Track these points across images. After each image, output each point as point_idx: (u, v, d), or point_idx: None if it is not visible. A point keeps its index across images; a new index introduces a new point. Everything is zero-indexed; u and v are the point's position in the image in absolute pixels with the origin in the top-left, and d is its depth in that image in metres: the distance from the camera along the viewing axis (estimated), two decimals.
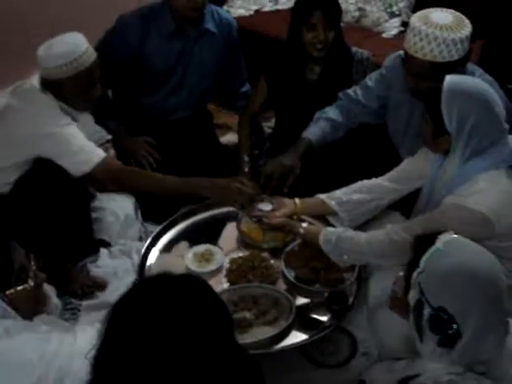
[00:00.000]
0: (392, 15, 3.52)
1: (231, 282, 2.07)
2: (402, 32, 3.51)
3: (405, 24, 3.54)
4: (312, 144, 2.39)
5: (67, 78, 2.12)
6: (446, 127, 1.78)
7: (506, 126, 1.82)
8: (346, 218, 2.13)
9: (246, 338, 1.82)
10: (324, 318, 1.96)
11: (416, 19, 2.07)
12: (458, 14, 2.08)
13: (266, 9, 3.81)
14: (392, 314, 1.96)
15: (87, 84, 2.17)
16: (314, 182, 2.58)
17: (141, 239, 2.49)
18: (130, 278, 2.24)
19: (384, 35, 3.53)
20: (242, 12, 3.71)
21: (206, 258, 2.13)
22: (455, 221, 1.71)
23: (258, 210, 2.18)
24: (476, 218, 1.71)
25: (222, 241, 2.28)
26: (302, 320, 1.94)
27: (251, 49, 2.79)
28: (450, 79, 1.80)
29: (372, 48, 2.89)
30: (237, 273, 2.09)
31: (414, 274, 1.37)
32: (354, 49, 2.56)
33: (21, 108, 2.20)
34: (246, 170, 2.61)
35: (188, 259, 2.13)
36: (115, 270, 2.30)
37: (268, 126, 3.03)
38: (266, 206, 2.20)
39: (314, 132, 2.41)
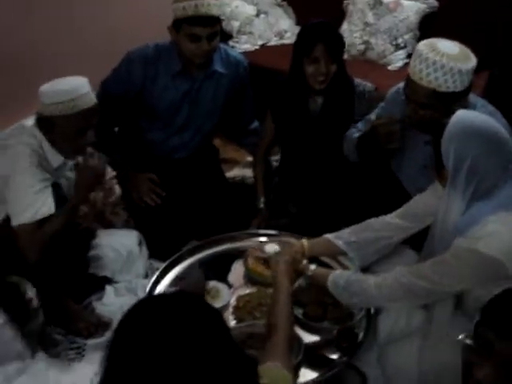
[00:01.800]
0: (397, 47, 3.52)
1: (238, 320, 2.03)
2: (407, 64, 3.52)
3: (410, 56, 3.55)
4: None
5: (61, 116, 2.09)
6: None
7: None
8: (356, 257, 2.08)
9: None
10: (334, 356, 1.92)
11: (423, 46, 2.05)
12: (463, 46, 2.07)
13: (272, 43, 3.84)
14: (402, 351, 1.95)
15: (79, 127, 2.13)
16: (323, 218, 2.59)
17: (147, 276, 2.48)
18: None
19: (389, 67, 3.54)
20: (247, 47, 3.74)
21: (212, 295, 2.10)
22: (467, 265, 1.69)
23: (264, 252, 2.15)
24: (488, 262, 1.66)
25: (229, 277, 2.24)
26: (310, 358, 1.89)
27: (258, 83, 2.79)
28: (456, 115, 1.76)
29: (377, 80, 2.91)
30: (244, 310, 2.05)
31: None
32: (358, 81, 2.56)
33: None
34: (262, 206, 2.63)
35: None
36: (121, 308, 2.27)
37: (275, 159, 3.02)
38: (272, 248, 2.16)
39: None
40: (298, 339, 1.90)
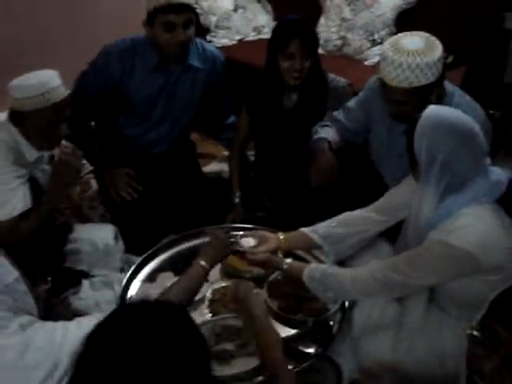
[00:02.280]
0: (374, 43, 3.55)
1: (213, 313, 2.04)
2: None
3: None
4: None
5: (34, 110, 2.09)
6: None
7: (487, 161, 1.78)
8: (331, 251, 2.10)
9: (228, 370, 1.80)
10: (309, 349, 1.94)
11: (387, 47, 2.06)
12: (427, 35, 2.08)
13: (249, 38, 3.85)
14: (377, 343, 1.98)
15: (52, 120, 2.12)
16: (298, 212, 2.61)
17: (123, 270, 2.47)
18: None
19: (366, 63, 3.57)
20: (225, 42, 3.74)
21: None
22: (440, 258, 1.71)
23: (240, 246, 2.15)
24: (460, 254, 1.68)
25: None
26: (286, 350, 1.90)
27: (235, 78, 2.79)
28: (428, 110, 1.77)
29: (353, 76, 2.94)
30: (219, 303, 2.06)
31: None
32: (331, 76, 2.58)
33: None
34: (238, 201, 2.64)
35: None
36: (97, 303, 2.27)
37: (252, 154, 3.03)
38: (248, 242, 2.15)
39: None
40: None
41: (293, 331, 1.98)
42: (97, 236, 2.43)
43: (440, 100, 2.16)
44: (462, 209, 1.72)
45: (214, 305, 2.06)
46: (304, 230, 2.15)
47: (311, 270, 1.96)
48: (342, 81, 2.58)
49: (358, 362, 2.01)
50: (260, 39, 3.85)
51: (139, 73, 2.51)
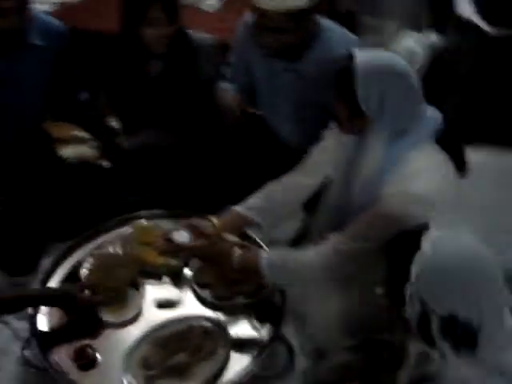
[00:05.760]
0: None
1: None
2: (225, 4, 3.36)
3: None
4: None
5: None
6: (361, 108, 1.65)
7: (422, 98, 1.73)
8: (266, 226, 1.95)
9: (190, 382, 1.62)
10: (261, 331, 1.80)
11: None
12: None
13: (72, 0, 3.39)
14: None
15: None
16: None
17: None
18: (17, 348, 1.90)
19: (205, 8, 3.32)
20: (46, 8, 3.25)
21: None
22: (401, 209, 1.61)
23: (171, 241, 1.87)
24: (422, 201, 1.61)
25: None
26: (237, 341, 1.76)
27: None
28: (359, 57, 1.66)
29: (199, 26, 2.69)
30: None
31: (407, 287, 1.24)
32: (195, 35, 2.36)
33: None
34: None
35: None
36: None
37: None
38: (181, 236, 1.87)
39: None
40: (220, 325, 1.76)
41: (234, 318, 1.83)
42: None
43: (317, 31, 2.16)
44: (411, 151, 1.66)
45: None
46: (236, 208, 1.96)
47: (269, 257, 1.78)
48: (207, 38, 2.38)
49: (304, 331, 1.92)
50: (79, 2, 3.41)
51: None
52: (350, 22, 2.26)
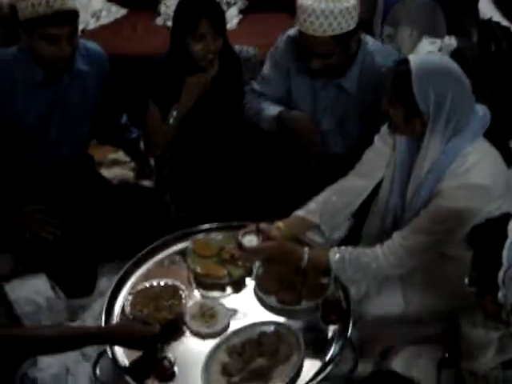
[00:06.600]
0: (229, 6, 3.39)
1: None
2: (242, 21, 3.43)
3: (243, 11, 3.46)
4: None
5: None
6: (419, 110, 1.70)
7: (474, 97, 1.78)
8: (327, 229, 2.02)
9: None
10: (328, 333, 1.83)
11: None
12: None
13: (91, 27, 3.45)
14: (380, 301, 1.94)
15: None
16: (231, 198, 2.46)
17: (73, 320, 2.15)
18: (85, 368, 1.92)
19: (228, 27, 3.38)
20: None
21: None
22: (462, 201, 1.68)
23: (242, 248, 1.94)
24: (482, 191, 1.68)
25: None
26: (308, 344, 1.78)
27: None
28: (415, 60, 1.70)
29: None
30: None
31: (500, 273, 1.29)
32: (238, 47, 2.43)
33: None
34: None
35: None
36: (66, 366, 1.94)
37: None
38: (250, 241, 1.94)
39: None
40: (290, 329, 1.79)
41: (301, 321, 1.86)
42: (33, 292, 2.05)
43: (358, 48, 2.18)
44: (467, 148, 1.72)
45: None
46: (298, 213, 2.02)
47: (337, 253, 1.85)
48: (250, 50, 2.44)
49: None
50: (102, 26, 3.50)
51: (21, 92, 2.09)
52: (365, 31, 2.28)
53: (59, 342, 1.58)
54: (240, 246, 1.95)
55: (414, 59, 1.71)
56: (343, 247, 1.89)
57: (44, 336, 1.57)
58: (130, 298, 1.91)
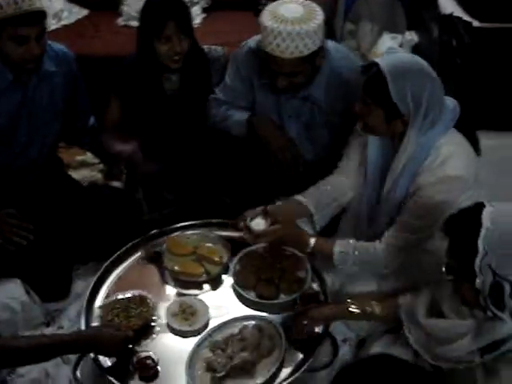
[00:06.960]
0: (192, 4, 3.36)
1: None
2: (205, 19, 3.43)
3: (206, 10, 3.46)
4: None
5: None
6: (399, 110, 1.73)
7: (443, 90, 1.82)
8: (318, 220, 2.03)
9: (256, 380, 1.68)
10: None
11: (267, 19, 2.00)
12: (303, 1, 2.06)
13: (53, 27, 3.38)
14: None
15: None
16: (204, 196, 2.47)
17: (49, 324, 2.14)
18: (64, 372, 1.91)
19: None
20: None
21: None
22: (442, 194, 1.73)
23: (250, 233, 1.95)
24: (458, 181, 1.74)
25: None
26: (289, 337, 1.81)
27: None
28: (384, 62, 1.73)
29: None
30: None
31: (477, 261, 1.33)
32: (207, 47, 2.43)
33: None
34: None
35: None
36: (46, 370, 1.92)
37: None
38: (258, 224, 1.95)
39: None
40: (271, 322, 1.82)
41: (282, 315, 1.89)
42: (8, 297, 2.03)
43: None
44: (440, 140, 1.77)
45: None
46: (297, 197, 2.04)
47: (342, 244, 1.90)
48: (218, 49, 2.44)
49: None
50: (64, 25, 3.44)
51: None
52: (327, 28, 2.29)
53: (36, 353, 1.57)
54: (248, 229, 1.96)
55: (382, 61, 1.74)
56: (346, 241, 1.92)
57: (20, 347, 1.55)
58: (99, 311, 1.91)
